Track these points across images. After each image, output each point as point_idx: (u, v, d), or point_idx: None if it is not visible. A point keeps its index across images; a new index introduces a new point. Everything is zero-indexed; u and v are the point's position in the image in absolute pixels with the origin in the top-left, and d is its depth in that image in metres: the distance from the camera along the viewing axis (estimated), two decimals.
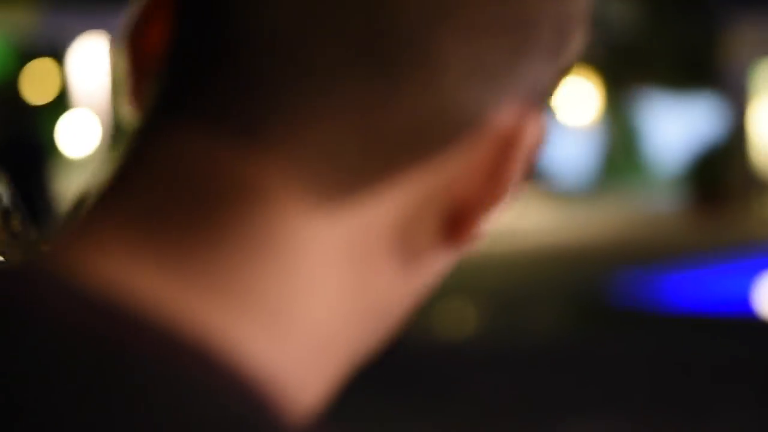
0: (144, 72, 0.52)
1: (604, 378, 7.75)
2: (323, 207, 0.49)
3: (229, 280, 0.48)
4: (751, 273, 11.47)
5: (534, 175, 17.62)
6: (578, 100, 22.38)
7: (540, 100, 0.52)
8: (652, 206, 20.28)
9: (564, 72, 0.53)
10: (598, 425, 6.57)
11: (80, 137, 19.88)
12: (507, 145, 0.51)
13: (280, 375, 0.48)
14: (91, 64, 20.03)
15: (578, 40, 0.54)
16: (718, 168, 19.62)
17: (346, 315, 0.50)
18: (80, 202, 0.51)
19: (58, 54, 20.30)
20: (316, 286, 0.49)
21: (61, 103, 20.08)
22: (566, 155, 22.47)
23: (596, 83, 22.21)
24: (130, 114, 0.52)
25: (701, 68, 20.96)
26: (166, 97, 0.50)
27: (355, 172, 0.49)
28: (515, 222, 18.18)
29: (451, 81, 0.49)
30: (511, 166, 0.51)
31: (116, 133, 19.63)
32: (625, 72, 21.47)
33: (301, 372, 0.49)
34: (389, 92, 0.48)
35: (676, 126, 22.79)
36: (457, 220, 0.51)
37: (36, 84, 19.45)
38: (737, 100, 20.44)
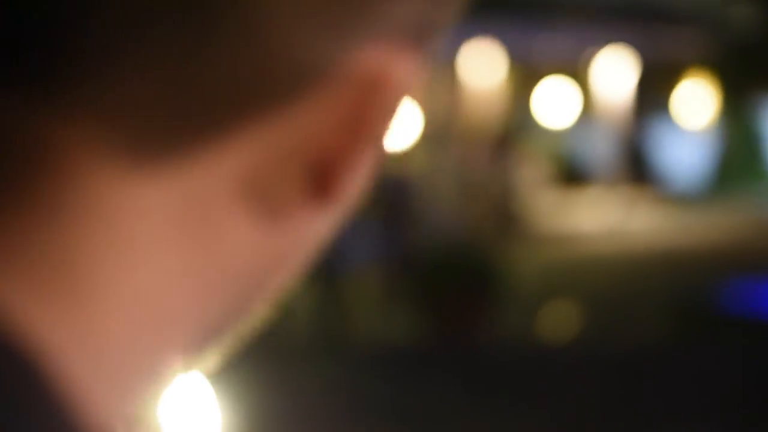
0: None
1: (704, 385, 7.65)
2: (143, 168, 0.43)
3: (21, 258, 0.42)
4: None
5: (647, 177, 17.58)
6: (695, 103, 22.06)
7: (414, 40, 0.46)
8: None
9: (449, 6, 0.47)
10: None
11: None
12: (369, 92, 0.45)
13: (86, 369, 0.43)
14: None
15: None
16: None
17: (190, 284, 0.45)
18: None
19: None
20: (141, 255, 0.44)
21: None
22: (681, 158, 22.17)
23: (714, 85, 21.87)
24: None
25: None
26: None
27: (176, 129, 0.43)
28: (626, 224, 18.00)
29: (279, 23, 0.43)
30: (378, 114, 0.45)
31: None
32: (745, 74, 21.10)
33: (125, 356, 0.44)
34: (203, 40, 0.43)
35: None
36: (322, 175, 0.45)
37: None
38: None
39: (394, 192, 12.02)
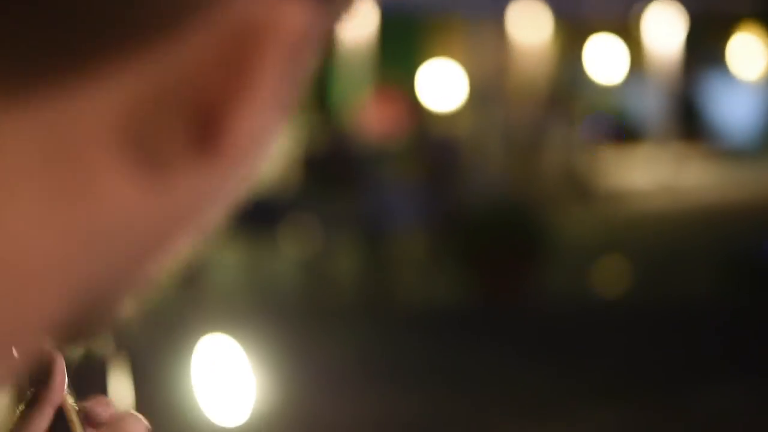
0: None
1: (753, 339, 7.58)
2: (4, 102, 0.40)
3: None
4: None
5: (699, 132, 17.39)
6: (747, 55, 21.77)
7: None
8: None
9: None
10: (740, 389, 6.44)
11: None
12: (251, 34, 0.41)
13: None
14: None
15: None
16: None
17: (56, 238, 0.41)
18: None
19: None
20: None
21: None
22: (734, 112, 21.90)
23: (766, 37, 21.56)
24: None
25: None
26: None
27: (41, 63, 0.40)
28: (677, 180, 17.84)
29: None
30: (263, 60, 0.41)
31: None
32: None
33: None
34: None
35: None
36: (206, 123, 0.42)
37: None
38: None
39: (439, 152, 11.98)
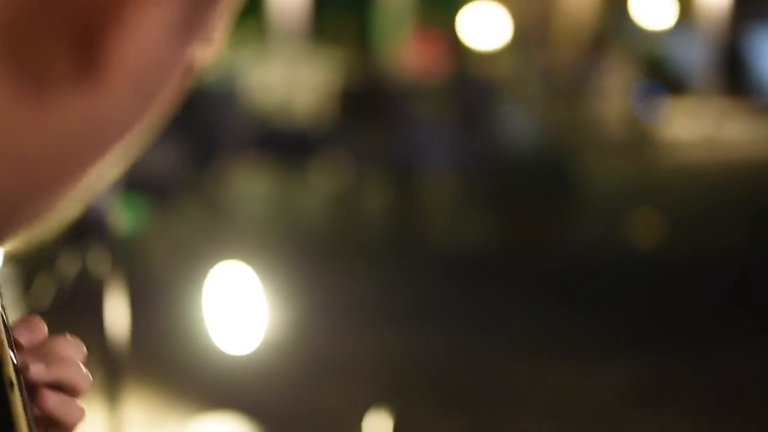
0: None
1: None
2: None
3: None
4: None
5: (744, 85, 17.14)
6: None
7: None
8: None
9: None
10: (759, 348, 6.37)
11: None
12: None
13: None
14: None
15: None
16: None
17: None
18: None
19: None
20: None
21: None
22: None
23: None
24: None
25: None
26: None
27: None
28: (719, 133, 17.65)
29: None
30: None
31: None
32: None
33: None
34: None
35: None
36: (87, 45, 0.41)
37: None
38: None
39: (476, 93, 11.85)
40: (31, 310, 3.24)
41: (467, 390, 5.58)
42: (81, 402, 0.89)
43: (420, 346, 6.27)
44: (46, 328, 0.89)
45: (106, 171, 0.45)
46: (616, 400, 5.40)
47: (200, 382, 5.31)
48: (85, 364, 0.89)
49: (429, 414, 5.15)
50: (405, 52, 14.59)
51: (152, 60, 0.42)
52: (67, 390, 0.87)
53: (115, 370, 2.89)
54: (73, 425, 0.88)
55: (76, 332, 0.90)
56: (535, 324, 6.76)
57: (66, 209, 0.45)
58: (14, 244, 0.44)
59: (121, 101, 0.43)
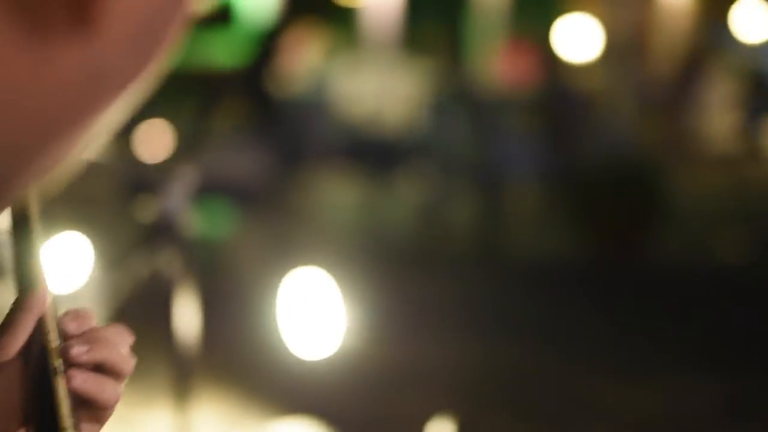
0: None
1: None
2: None
3: None
4: None
5: None
6: None
7: None
8: None
9: None
10: None
11: None
12: None
13: None
14: None
15: None
16: None
17: None
18: None
19: None
20: None
21: None
22: None
23: None
24: None
25: None
26: None
27: None
28: None
29: None
30: None
31: None
32: None
33: None
34: None
35: None
36: None
37: None
38: None
39: (566, 105, 11.78)
40: (106, 309, 3.28)
41: (545, 404, 5.54)
42: (118, 385, 0.91)
43: (497, 357, 6.24)
44: (94, 319, 0.92)
45: (109, 122, 0.45)
46: (705, 419, 5.32)
47: (274, 387, 5.34)
48: (130, 351, 0.91)
49: (504, 426, 5.12)
50: (497, 64, 14.54)
51: (149, 10, 0.42)
52: (108, 371, 0.89)
53: (184, 373, 2.92)
54: (105, 404, 0.90)
55: (145, 333, 0.92)
56: (614, 340, 6.68)
57: (72, 162, 0.45)
58: (24, 199, 0.44)
59: (120, 51, 0.43)
